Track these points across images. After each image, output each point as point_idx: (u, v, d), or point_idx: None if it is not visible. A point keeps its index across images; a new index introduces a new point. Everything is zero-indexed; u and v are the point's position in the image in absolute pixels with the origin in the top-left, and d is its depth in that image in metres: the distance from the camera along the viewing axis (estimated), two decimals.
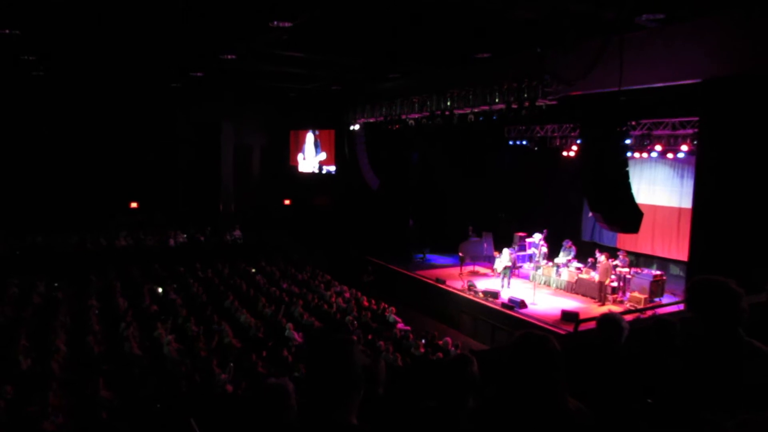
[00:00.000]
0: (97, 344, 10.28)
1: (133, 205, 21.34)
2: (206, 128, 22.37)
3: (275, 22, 9.70)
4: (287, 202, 23.94)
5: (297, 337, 11.49)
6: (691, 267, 10.21)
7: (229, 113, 22.57)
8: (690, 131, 12.76)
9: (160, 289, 14.90)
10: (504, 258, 15.17)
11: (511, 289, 14.65)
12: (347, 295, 14.98)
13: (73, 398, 8.08)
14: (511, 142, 18.10)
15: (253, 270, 17.95)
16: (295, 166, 23.63)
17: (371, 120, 17.63)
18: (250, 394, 8.01)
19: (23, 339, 10.15)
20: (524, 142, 17.79)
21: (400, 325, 12.82)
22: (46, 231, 18.64)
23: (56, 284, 15.37)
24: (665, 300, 12.82)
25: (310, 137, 22.94)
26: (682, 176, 14.44)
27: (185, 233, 21.06)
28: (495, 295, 13.92)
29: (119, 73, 16.05)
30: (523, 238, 17.27)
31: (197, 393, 8.32)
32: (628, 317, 5.85)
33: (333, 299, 14.33)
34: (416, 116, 15.33)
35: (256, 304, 13.72)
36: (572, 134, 15.74)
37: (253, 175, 24.27)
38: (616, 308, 12.65)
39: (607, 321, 3.78)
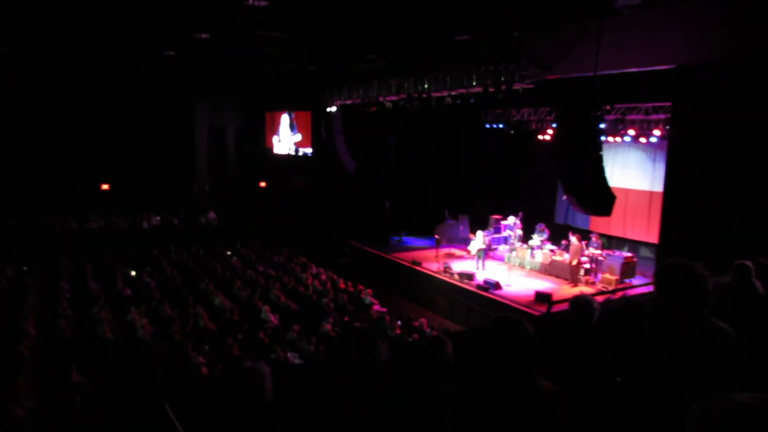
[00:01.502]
0: (69, 328, 10.12)
1: (104, 186, 20.91)
2: (180, 109, 21.93)
3: (250, 1, 9.51)
4: (263, 184, 23.71)
5: (273, 319, 11.48)
6: (661, 249, 10.47)
7: (203, 94, 22.14)
8: (663, 116, 12.97)
9: (133, 273, 14.70)
10: (478, 240, 15.32)
11: (486, 271, 14.83)
12: (323, 277, 14.99)
13: (45, 383, 7.96)
14: (488, 125, 18.16)
15: (229, 252, 17.81)
16: (271, 148, 23.37)
17: (348, 102, 17.50)
18: (225, 377, 8.00)
19: None
20: (501, 126, 17.87)
21: (377, 307, 12.90)
22: (13, 214, 18.16)
23: (25, 268, 15.04)
24: (636, 281, 13.13)
25: (285, 118, 22.67)
26: (654, 160, 14.70)
27: (158, 215, 20.75)
28: (470, 276, 14.08)
29: (89, 50, 15.56)
30: (498, 221, 17.46)
31: (172, 376, 8.27)
32: (599, 298, 5.98)
33: (309, 282, 14.32)
34: (393, 98, 15.25)
35: (232, 286, 13.64)
36: (548, 118, 15.86)
37: (228, 157, 23.93)
38: (588, 289, 12.91)
39: (579, 302, 3.86)
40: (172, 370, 8.44)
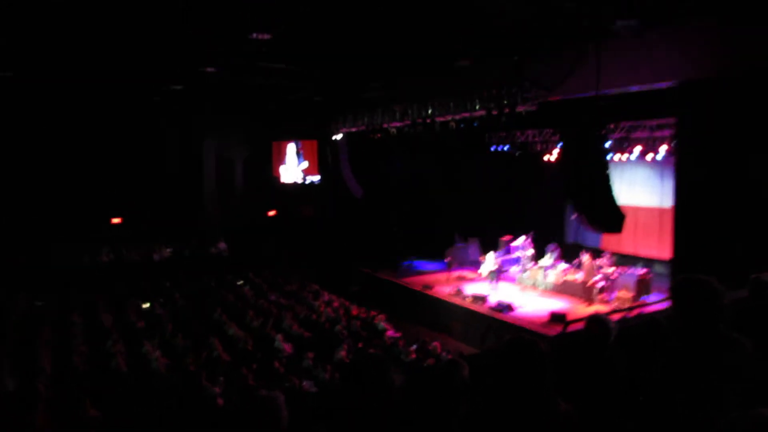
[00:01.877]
0: (83, 362, 10.13)
1: (115, 220, 21.12)
2: (188, 141, 22.28)
3: (254, 35, 9.73)
4: (272, 213, 23.86)
5: (287, 348, 11.43)
6: (674, 265, 10.38)
7: (211, 126, 22.50)
8: (668, 133, 13.00)
9: (145, 305, 14.74)
10: (489, 262, 15.26)
11: (498, 293, 14.74)
12: (336, 304, 14.95)
13: (61, 419, 7.95)
14: (492, 148, 18.25)
15: (240, 282, 17.84)
16: (278, 177, 23.57)
17: (353, 129, 17.69)
18: (241, 407, 7.95)
19: (5, 359, 9.97)
20: (506, 148, 17.95)
21: (390, 333, 12.82)
22: (26, 247, 18.35)
23: (39, 303, 15.13)
24: (652, 298, 12.99)
25: (291, 147, 22.91)
26: (661, 177, 14.67)
27: (169, 247, 20.88)
28: (483, 299, 13.99)
29: (98, 84, 15.90)
30: (508, 242, 17.40)
31: (188, 408, 8.23)
32: (615, 317, 5.93)
33: (322, 309, 14.29)
34: (398, 125, 15.41)
35: (245, 316, 13.63)
36: (553, 139, 15.93)
37: (237, 187, 24.18)
38: (603, 308, 12.78)
39: (595, 322, 3.83)
40: (187, 401, 8.41)
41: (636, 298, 13.02)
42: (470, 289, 15.08)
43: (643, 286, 13.33)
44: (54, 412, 8.08)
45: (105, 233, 20.50)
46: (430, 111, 13.90)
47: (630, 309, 11.55)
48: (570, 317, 11.67)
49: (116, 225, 21.07)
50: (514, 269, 16.51)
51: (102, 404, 8.25)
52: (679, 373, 2.48)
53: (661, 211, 14.51)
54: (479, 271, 16.04)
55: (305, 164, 22.21)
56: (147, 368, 10.02)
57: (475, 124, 13.27)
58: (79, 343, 11.22)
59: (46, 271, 17.77)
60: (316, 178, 21.70)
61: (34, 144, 19.08)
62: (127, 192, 20.83)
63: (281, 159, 23.46)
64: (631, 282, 13.30)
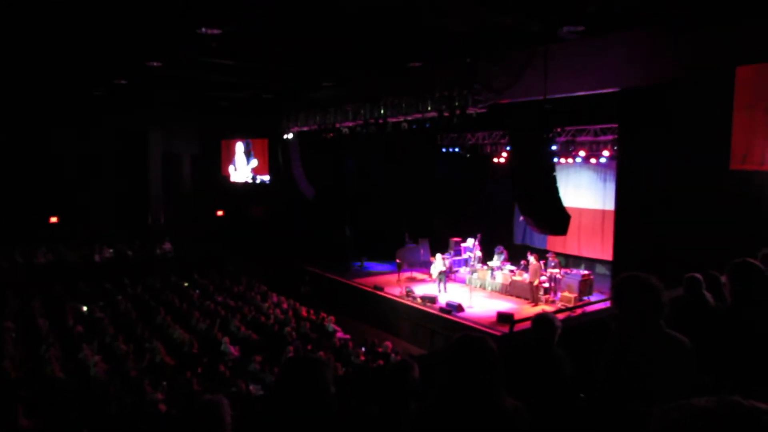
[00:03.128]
0: (15, 369, 9.59)
1: (53, 219, 20.14)
2: (132, 137, 21.48)
3: (203, 29, 9.47)
4: (220, 212, 23.32)
5: (234, 351, 11.18)
6: (615, 266, 10.75)
7: (157, 122, 21.77)
8: (610, 137, 13.46)
9: (84, 308, 14.12)
10: (438, 263, 15.40)
11: (448, 294, 14.88)
12: (285, 306, 14.75)
13: None
14: (444, 149, 18.46)
15: (186, 284, 17.35)
16: (227, 177, 23.09)
17: (305, 128, 17.49)
18: (183, 412, 7.71)
19: None
20: (457, 149, 18.19)
21: (340, 334, 12.75)
22: None
23: None
24: (594, 298, 13.42)
25: (240, 146, 22.48)
26: (604, 180, 15.19)
27: (111, 248, 20.08)
28: (433, 300, 14.10)
29: (36, 77, 15.10)
30: (458, 243, 17.63)
31: (128, 415, 7.92)
32: (560, 316, 6.07)
33: (270, 311, 14.06)
34: (350, 124, 15.34)
35: (190, 319, 13.25)
36: (502, 141, 16.23)
37: (184, 185, 23.49)
38: (549, 308, 13.11)
39: (541, 321, 3.89)
40: (127, 408, 8.09)
41: (579, 298, 13.42)
42: (420, 289, 15.18)
43: (585, 287, 13.76)
44: None
45: (42, 233, 19.51)
46: (382, 111, 13.91)
47: (573, 308, 11.90)
48: (516, 317, 11.90)
49: (54, 224, 20.09)
50: (463, 270, 16.73)
51: (35, 413, 7.83)
52: (620, 368, 2.54)
53: (603, 213, 15.03)
54: (429, 271, 16.17)
55: (255, 163, 21.83)
56: (85, 374, 9.59)
57: (427, 125, 13.37)
58: (9, 349, 10.62)
59: None
60: (266, 177, 21.35)
61: None
62: (66, 189, 19.90)
63: (230, 158, 22.99)
64: (575, 283, 13.70)
